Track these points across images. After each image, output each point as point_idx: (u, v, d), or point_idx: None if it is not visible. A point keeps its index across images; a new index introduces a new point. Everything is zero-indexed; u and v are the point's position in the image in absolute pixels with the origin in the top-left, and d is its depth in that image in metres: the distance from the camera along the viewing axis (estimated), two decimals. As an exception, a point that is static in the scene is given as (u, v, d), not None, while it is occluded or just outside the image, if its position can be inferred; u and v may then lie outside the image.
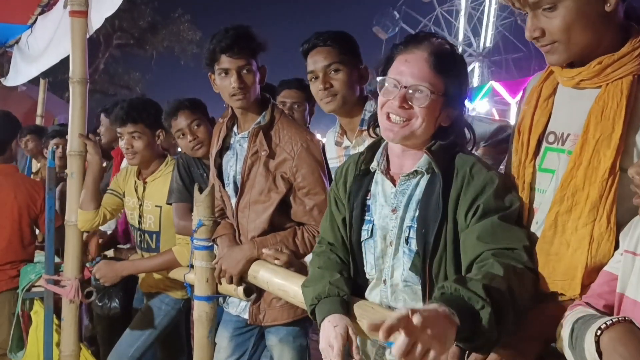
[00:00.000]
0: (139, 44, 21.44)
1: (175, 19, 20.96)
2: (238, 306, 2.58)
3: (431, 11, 40.48)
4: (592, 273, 1.40)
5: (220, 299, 2.61)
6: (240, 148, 2.49)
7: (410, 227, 1.64)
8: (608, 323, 1.12)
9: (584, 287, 1.40)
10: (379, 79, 1.65)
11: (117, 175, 3.27)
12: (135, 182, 3.11)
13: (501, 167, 2.24)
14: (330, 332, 1.61)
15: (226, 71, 2.37)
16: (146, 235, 3.09)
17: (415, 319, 1.10)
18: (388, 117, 1.62)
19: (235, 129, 2.54)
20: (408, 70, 1.59)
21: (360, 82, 2.38)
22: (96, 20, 3.14)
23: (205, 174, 2.85)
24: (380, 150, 1.75)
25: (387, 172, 1.72)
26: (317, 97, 2.38)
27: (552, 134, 1.56)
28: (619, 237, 1.37)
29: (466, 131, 1.72)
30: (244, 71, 2.36)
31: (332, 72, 2.30)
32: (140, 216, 3.09)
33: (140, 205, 3.07)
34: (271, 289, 2.21)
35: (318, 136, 5.04)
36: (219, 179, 2.55)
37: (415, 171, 1.64)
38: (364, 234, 1.74)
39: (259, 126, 2.40)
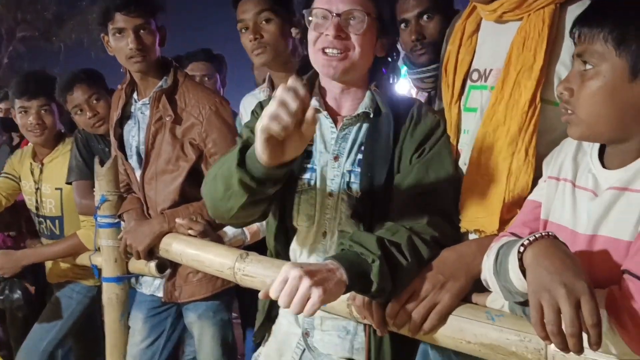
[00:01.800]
0: (45, 37, 20.28)
1: (83, 9, 19.89)
2: (152, 285, 2.40)
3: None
4: (511, 207, 1.36)
5: (133, 280, 2.42)
6: (142, 116, 2.30)
7: (351, 172, 1.52)
8: (531, 239, 1.06)
9: (503, 222, 1.36)
10: (304, 11, 1.50)
11: (12, 157, 3.01)
12: (31, 164, 2.87)
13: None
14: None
15: (121, 31, 2.15)
16: (48, 221, 2.86)
17: (295, 272, 1.16)
18: (324, 52, 1.47)
19: (135, 95, 2.34)
20: None
21: (291, 35, 2.27)
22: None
23: (107, 149, 2.65)
24: (315, 89, 1.58)
25: (327, 111, 1.56)
26: (247, 50, 2.25)
27: (476, 71, 1.50)
28: (539, 170, 1.33)
29: None
30: (142, 31, 2.16)
31: (263, 21, 2.19)
32: (38, 201, 2.85)
33: (38, 190, 2.83)
34: (185, 261, 2.05)
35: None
36: (121, 150, 2.35)
37: (359, 114, 1.52)
38: (301, 184, 1.55)
39: (161, 90, 2.21)
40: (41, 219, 2.88)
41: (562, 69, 1.35)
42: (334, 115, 1.56)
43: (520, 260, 1.07)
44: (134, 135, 2.32)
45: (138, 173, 2.30)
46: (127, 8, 2.13)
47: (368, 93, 1.53)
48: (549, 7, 1.36)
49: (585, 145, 1.22)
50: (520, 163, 1.35)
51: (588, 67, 1.11)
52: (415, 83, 2.25)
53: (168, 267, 2.23)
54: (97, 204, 2.28)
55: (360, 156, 1.51)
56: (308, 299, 1.15)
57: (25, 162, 2.91)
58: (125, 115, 2.35)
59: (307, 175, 1.55)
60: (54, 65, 21.77)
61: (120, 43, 2.17)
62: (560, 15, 1.37)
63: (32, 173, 2.86)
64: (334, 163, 1.53)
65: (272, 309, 1.68)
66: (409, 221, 1.38)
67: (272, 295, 1.18)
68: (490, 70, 1.46)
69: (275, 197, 1.47)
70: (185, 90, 2.24)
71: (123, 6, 2.13)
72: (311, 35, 1.49)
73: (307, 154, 1.56)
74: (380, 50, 1.54)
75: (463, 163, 1.49)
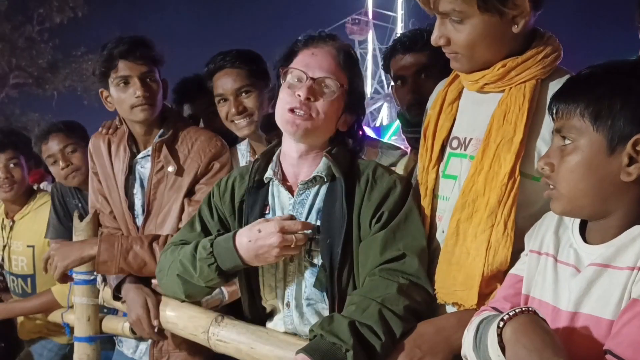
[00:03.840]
0: (38, 84, 20.39)
1: (77, 57, 20.10)
2: (136, 349, 2.23)
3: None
4: (490, 281, 1.34)
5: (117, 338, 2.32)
6: (142, 170, 2.15)
7: (312, 240, 1.52)
8: (511, 314, 1.04)
9: (483, 296, 1.33)
10: (282, 69, 1.55)
11: None
12: (3, 220, 2.81)
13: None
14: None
15: (126, 79, 2.03)
16: (19, 279, 2.78)
17: None
18: (291, 111, 1.50)
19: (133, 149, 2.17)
20: (316, 63, 1.51)
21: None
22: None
23: (81, 205, 2.57)
24: (274, 158, 1.62)
25: (283, 181, 1.59)
26: (226, 120, 2.20)
27: (456, 139, 1.50)
28: (518, 244, 1.32)
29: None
30: (148, 79, 2.05)
31: (243, 94, 2.16)
32: (5, 259, 2.78)
33: (6, 247, 2.76)
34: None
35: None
36: (130, 210, 2.16)
37: (315, 178, 1.54)
38: None
39: (161, 140, 2.10)
40: (12, 277, 2.80)
41: (542, 144, 1.36)
42: (292, 182, 1.59)
43: (500, 336, 1.04)
44: (137, 194, 2.17)
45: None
46: (133, 54, 2.03)
47: (323, 159, 1.54)
48: (530, 81, 1.38)
49: (566, 220, 1.21)
50: (499, 236, 1.33)
51: (567, 142, 1.11)
52: (410, 142, 2.19)
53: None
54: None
55: (319, 223, 1.52)
56: None
57: None
58: (131, 172, 2.17)
59: None
60: (46, 112, 21.89)
61: (123, 93, 2.04)
62: (541, 90, 1.38)
63: (2, 229, 2.80)
64: None
65: None
66: (379, 291, 1.36)
67: None
68: (470, 139, 1.46)
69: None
70: (187, 137, 2.14)
71: (128, 52, 2.02)
72: (283, 92, 1.53)
73: None
74: (343, 125, 1.58)
75: (442, 230, 1.47)
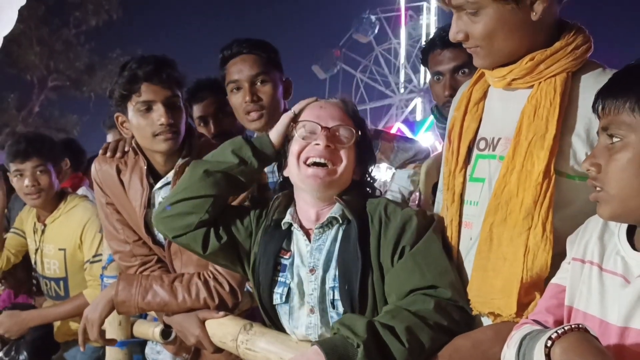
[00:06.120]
0: (76, 86, 20.76)
1: (113, 59, 20.34)
2: None
3: (370, 51, 41.24)
4: (529, 289, 1.26)
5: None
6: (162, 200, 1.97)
7: (333, 288, 1.47)
8: (559, 332, 0.96)
9: (521, 306, 1.26)
10: (295, 125, 1.54)
11: (21, 212, 2.97)
12: (35, 223, 2.81)
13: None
14: None
15: (149, 105, 1.84)
16: (52, 282, 2.77)
17: None
18: (310, 164, 1.48)
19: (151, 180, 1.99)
20: (326, 114, 1.52)
21: (285, 96, 2.16)
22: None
23: None
24: (292, 203, 1.59)
25: (300, 226, 1.54)
26: (238, 111, 2.11)
27: (483, 140, 1.44)
28: (556, 247, 1.25)
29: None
30: (173, 105, 1.87)
31: (259, 83, 2.07)
32: (38, 262, 2.78)
33: (38, 250, 2.77)
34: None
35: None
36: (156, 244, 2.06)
37: (331, 221, 1.50)
38: (277, 298, 1.54)
39: (184, 162, 1.90)
40: (46, 280, 2.81)
41: (577, 140, 1.29)
42: (309, 227, 1.55)
43: (548, 355, 0.97)
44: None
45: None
46: (159, 76, 1.84)
47: (337, 203, 1.50)
48: (560, 75, 1.31)
49: (611, 225, 1.13)
50: (538, 239, 1.26)
51: (615, 140, 1.05)
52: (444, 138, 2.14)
53: (172, 334, 2.14)
54: (104, 263, 2.22)
55: (338, 270, 1.47)
56: None
57: (29, 220, 2.86)
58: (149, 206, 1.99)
59: (279, 290, 1.54)
60: (84, 114, 22.32)
61: (145, 119, 1.85)
62: (573, 84, 1.32)
63: (34, 232, 2.81)
64: (310, 276, 1.50)
65: None
66: (415, 305, 1.32)
67: None
68: (499, 139, 1.39)
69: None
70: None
71: (153, 74, 1.84)
72: (297, 145, 1.51)
73: (283, 268, 1.54)
74: (357, 174, 1.56)
75: (469, 237, 1.41)
